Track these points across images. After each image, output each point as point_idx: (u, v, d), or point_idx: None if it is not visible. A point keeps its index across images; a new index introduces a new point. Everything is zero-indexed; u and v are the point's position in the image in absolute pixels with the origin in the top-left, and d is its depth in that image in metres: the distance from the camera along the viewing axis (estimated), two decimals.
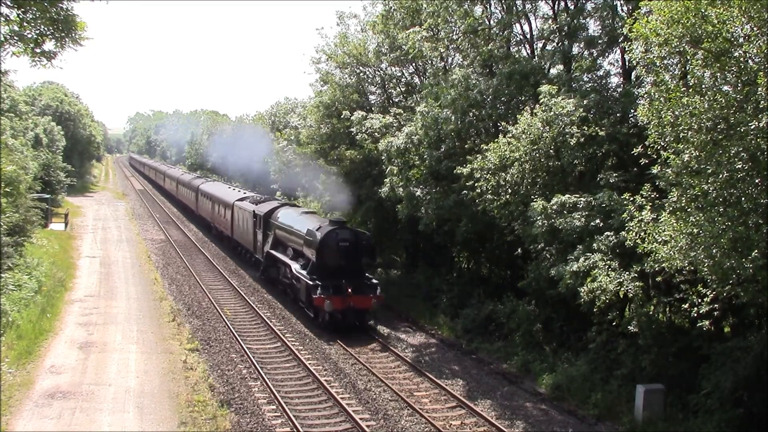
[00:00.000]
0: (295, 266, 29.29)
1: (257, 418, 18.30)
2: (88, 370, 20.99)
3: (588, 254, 19.95)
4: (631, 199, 18.78)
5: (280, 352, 24.37)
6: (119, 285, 33.42)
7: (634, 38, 15.52)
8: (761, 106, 13.66)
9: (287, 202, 38.78)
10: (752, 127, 13.58)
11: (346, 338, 26.04)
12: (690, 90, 14.74)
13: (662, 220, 16.07)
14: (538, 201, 22.15)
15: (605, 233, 20.11)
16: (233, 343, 24.98)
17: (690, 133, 14.44)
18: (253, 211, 37.23)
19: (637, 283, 18.76)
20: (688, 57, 14.63)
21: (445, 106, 28.94)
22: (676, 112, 14.55)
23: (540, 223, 21.69)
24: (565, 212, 21.34)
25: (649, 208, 17.66)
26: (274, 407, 19.13)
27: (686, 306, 17.59)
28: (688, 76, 15.23)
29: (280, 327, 27.33)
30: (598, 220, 20.68)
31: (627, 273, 18.89)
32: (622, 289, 18.74)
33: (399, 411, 19.22)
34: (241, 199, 42.86)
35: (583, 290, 19.24)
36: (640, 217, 17.57)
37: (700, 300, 16.86)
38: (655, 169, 16.90)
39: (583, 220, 20.85)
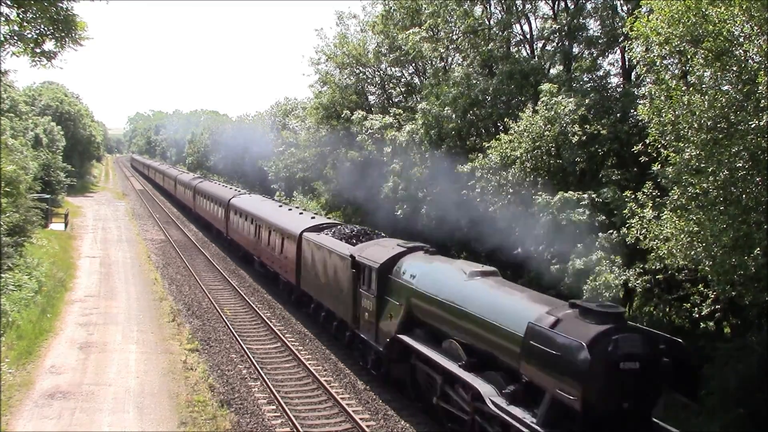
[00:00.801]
0: (490, 392, 14.56)
1: (257, 418, 18.28)
2: (88, 370, 20.97)
3: (590, 250, 20.02)
4: (633, 196, 18.81)
5: (280, 352, 24.34)
6: (119, 285, 33.41)
7: (635, 37, 15.52)
8: (761, 105, 13.64)
9: (416, 245, 21.61)
10: (753, 127, 13.57)
11: None
12: (690, 89, 14.74)
13: (664, 217, 16.07)
14: (542, 196, 22.14)
15: (609, 231, 20.18)
16: (233, 343, 24.96)
17: (690, 132, 14.43)
18: (352, 257, 22.22)
19: (644, 278, 18.80)
20: (689, 56, 14.63)
21: (447, 104, 28.96)
22: (677, 111, 14.54)
23: (544, 219, 21.69)
24: (568, 210, 21.37)
25: (650, 205, 17.69)
26: (274, 407, 19.11)
27: (688, 305, 17.60)
28: (689, 76, 15.23)
29: (280, 327, 27.30)
30: (603, 217, 20.75)
31: (632, 270, 18.96)
32: (630, 284, 18.80)
33: (399, 411, 19.18)
34: (316, 230, 27.82)
35: (586, 288, 19.26)
36: (641, 214, 17.60)
37: (701, 300, 16.86)
38: (655, 167, 16.90)
39: (586, 216, 20.89)
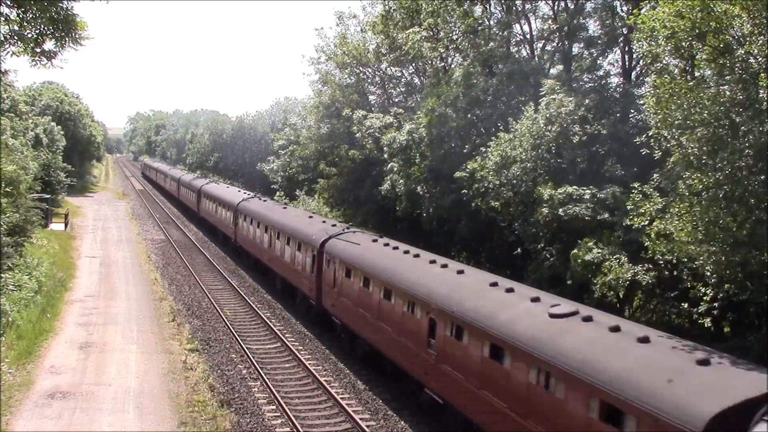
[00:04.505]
0: None
1: (257, 418, 18.28)
2: (88, 370, 20.97)
3: (599, 244, 20.13)
4: (637, 189, 18.88)
5: (280, 352, 24.34)
6: (119, 285, 33.40)
7: (641, 29, 15.42)
8: (763, 108, 13.63)
9: None
10: (755, 129, 13.54)
11: None
12: (694, 84, 14.70)
13: (666, 216, 16.07)
14: (545, 188, 22.12)
15: (617, 229, 20.29)
16: (233, 343, 24.96)
17: (693, 126, 14.39)
18: None
19: (651, 273, 18.89)
20: (694, 51, 14.61)
21: (448, 104, 29.02)
22: (681, 106, 14.51)
23: (546, 212, 21.69)
24: (570, 204, 21.45)
25: (653, 200, 17.75)
26: (274, 407, 19.12)
27: (686, 305, 17.62)
28: (692, 72, 15.22)
29: (280, 327, 27.30)
30: (606, 215, 20.84)
31: (641, 265, 19.06)
32: (638, 277, 18.89)
33: (399, 411, 19.18)
34: None
35: (597, 284, 19.35)
36: (644, 209, 17.65)
37: (700, 298, 16.87)
38: (657, 155, 16.89)
39: (589, 211, 20.99)
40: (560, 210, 21.43)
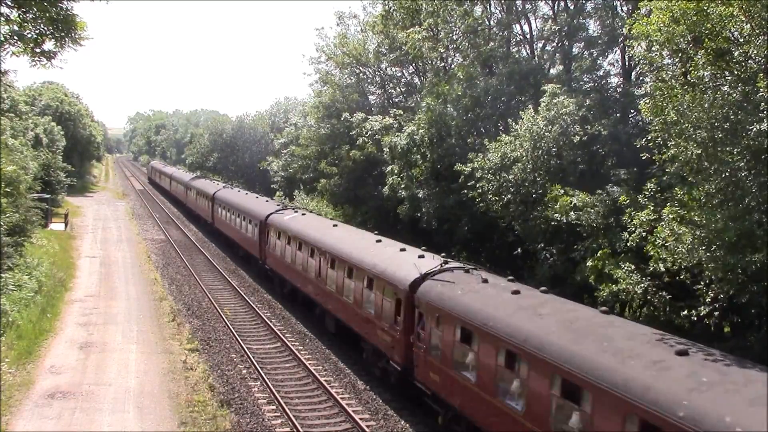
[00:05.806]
0: None
1: (257, 418, 18.29)
2: (88, 370, 20.98)
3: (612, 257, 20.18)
4: (633, 198, 18.86)
5: (280, 352, 24.35)
6: (119, 285, 33.40)
7: (635, 37, 15.46)
8: (761, 108, 13.62)
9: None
10: (753, 129, 13.54)
11: None
12: (690, 88, 14.71)
13: (665, 219, 16.07)
14: (556, 190, 22.08)
15: (622, 234, 20.31)
16: (233, 343, 24.96)
17: (691, 130, 14.40)
18: None
19: (661, 287, 18.79)
20: (690, 55, 14.60)
21: (450, 102, 29.05)
22: (678, 110, 14.51)
23: (563, 218, 21.70)
24: (578, 210, 21.47)
25: (651, 207, 17.71)
26: (274, 407, 19.12)
27: (683, 304, 17.62)
28: (689, 75, 15.21)
29: (280, 327, 27.30)
30: (611, 219, 20.86)
31: (648, 278, 18.99)
32: (649, 296, 18.84)
33: (399, 411, 19.19)
34: None
35: (604, 291, 19.29)
36: (643, 217, 17.62)
37: (701, 301, 16.87)
38: (657, 160, 16.89)
39: (599, 216, 21.00)
40: (572, 214, 21.46)
